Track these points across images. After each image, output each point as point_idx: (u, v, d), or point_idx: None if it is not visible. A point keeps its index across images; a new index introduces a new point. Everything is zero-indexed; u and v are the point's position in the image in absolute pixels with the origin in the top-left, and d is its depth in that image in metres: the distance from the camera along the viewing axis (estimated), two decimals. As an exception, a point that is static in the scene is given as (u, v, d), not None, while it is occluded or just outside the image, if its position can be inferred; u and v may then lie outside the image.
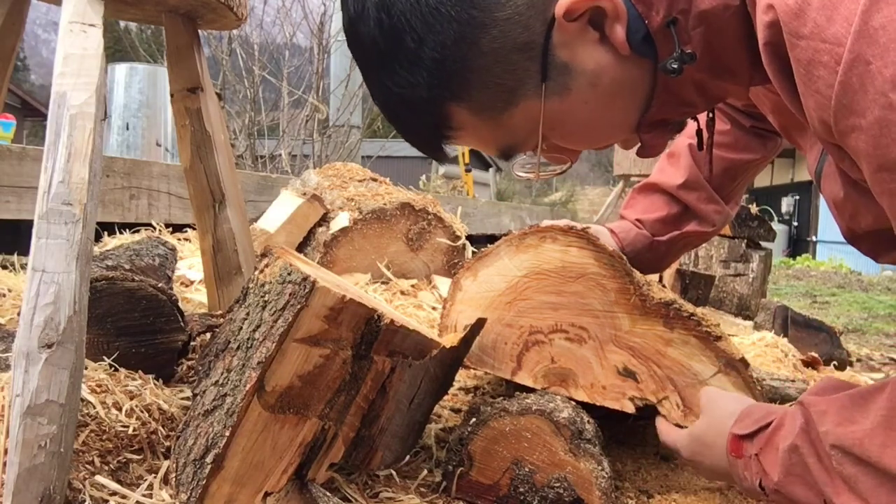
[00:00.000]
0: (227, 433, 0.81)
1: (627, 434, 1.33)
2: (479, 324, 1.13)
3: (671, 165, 1.40)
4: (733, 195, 1.41)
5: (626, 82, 0.83)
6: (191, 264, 2.09)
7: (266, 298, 0.86)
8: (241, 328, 0.88)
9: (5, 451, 0.77)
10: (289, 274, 0.84)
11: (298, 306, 0.81)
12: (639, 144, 0.94)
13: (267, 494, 0.86)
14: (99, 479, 0.85)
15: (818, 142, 0.97)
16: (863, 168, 0.69)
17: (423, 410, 1.06)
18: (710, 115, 1.05)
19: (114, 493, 0.84)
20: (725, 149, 1.35)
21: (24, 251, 0.93)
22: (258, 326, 0.85)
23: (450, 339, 1.05)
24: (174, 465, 0.88)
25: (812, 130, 0.75)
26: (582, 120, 0.85)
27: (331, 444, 0.90)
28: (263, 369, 0.81)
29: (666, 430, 1.07)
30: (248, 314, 0.88)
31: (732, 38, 0.80)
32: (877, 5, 0.62)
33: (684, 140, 1.39)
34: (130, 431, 0.93)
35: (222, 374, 0.87)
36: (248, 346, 0.85)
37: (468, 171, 17.19)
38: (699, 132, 1.04)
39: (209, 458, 0.81)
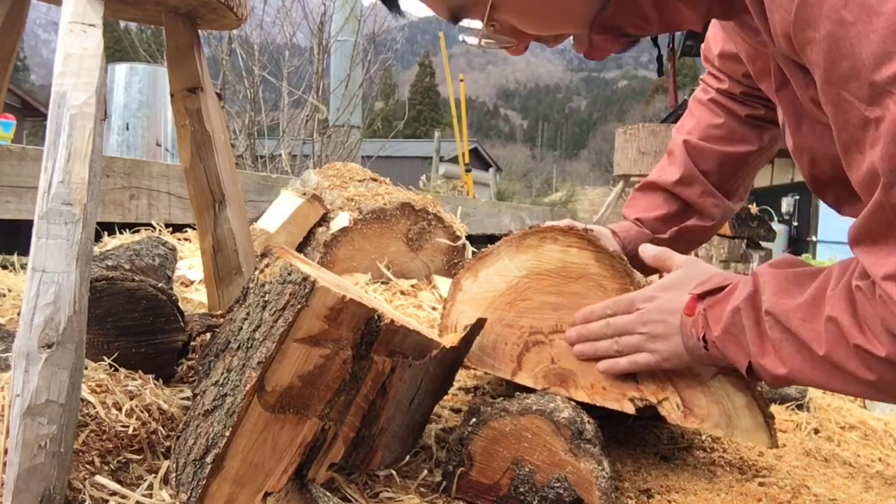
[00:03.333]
0: (228, 433, 0.81)
1: (627, 434, 1.33)
2: (479, 324, 1.13)
3: (669, 163, 1.39)
4: (735, 189, 1.40)
5: None
6: (191, 264, 2.09)
7: (266, 298, 0.86)
8: (242, 328, 0.88)
9: (5, 451, 0.77)
10: (289, 274, 0.83)
11: (299, 306, 0.81)
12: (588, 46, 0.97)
13: (267, 494, 0.86)
14: (99, 479, 0.85)
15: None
16: (817, 82, 0.74)
17: (423, 411, 1.05)
18: (671, 46, 1.10)
19: (114, 493, 0.84)
20: (720, 142, 1.34)
21: (24, 251, 0.93)
22: (258, 326, 0.85)
23: (450, 339, 1.05)
24: (174, 466, 0.88)
25: (777, 50, 0.81)
26: None
27: (331, 444, 0.90)
28: (263, 369, 0.81)
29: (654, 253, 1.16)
30: (248, 314, 0.88)
31: None
32: None
33: (680, 136, 1.38)
34: (130, 431, 0.93)
35: (222, 374, 0.87)
36: (249, 346, 0.85)
37: (468, 171, 17.20)
38: (659, 58, 1.08)
39: (209, 458, 0.81)
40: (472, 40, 0.95)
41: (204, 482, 0.81)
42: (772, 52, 0.91)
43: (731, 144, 1.34)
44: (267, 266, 0.91)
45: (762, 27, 0.81)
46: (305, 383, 0.84)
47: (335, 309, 0.83)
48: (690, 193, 1.36)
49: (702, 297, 0.99)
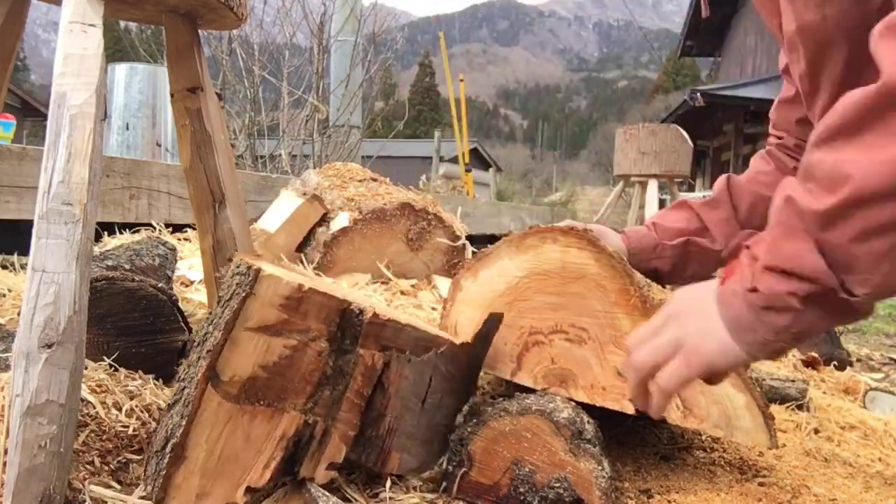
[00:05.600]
0: (184, 423, 0.82)
1: (627, 434, 1.33)
2: (493, 320, 1.12)
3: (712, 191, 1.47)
4: None
5: None
6: (191, 264, 2.09)
7: (220, 295, 0.88)
8: (203, 326, 0.90)
9: (5, 451, 0.77)
10: (237, 267, 0.86)
11: (243, 294, 0.83)
12: None
13: (250, 489, 0.85)
14: (96, 488, 0.85)
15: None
16: None
17: (445, 412, 1.04)
18: None
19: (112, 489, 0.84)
20: (761, 186, 1.40)
21: (24, 251, 0.93)
22: (213, 321, 0.87)
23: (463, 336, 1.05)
24: (145, 461, 0.89)
25: None
26: None
27: (322, 440, 0.90)
28: (213, 357, 0.82)
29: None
30: (209, 314, 0.90)
31: None
32: None
33: (727, 175, 1.46)
34: (130, 431, 0.93)
35: (184, 370, 0.89)
36: (203, 339, 0.87)
37: (468, 171, 17.19)
38: None
39: (168, 448, 0.82)
40: None
41: (164, 471, 0.81)
42: None
43: (770, 191, 1.38)
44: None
45: None
46: (273, 374, 0.85)
47: (293, 298, 0.84)
48: (712, 216, 1.42)
49: (743, 247, 0.73)
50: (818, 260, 0.61)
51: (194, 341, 0.93)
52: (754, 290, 0.66)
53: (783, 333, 0.65)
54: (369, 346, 0.91)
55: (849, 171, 0.58)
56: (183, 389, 0.85)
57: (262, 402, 0.85)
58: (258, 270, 0.83)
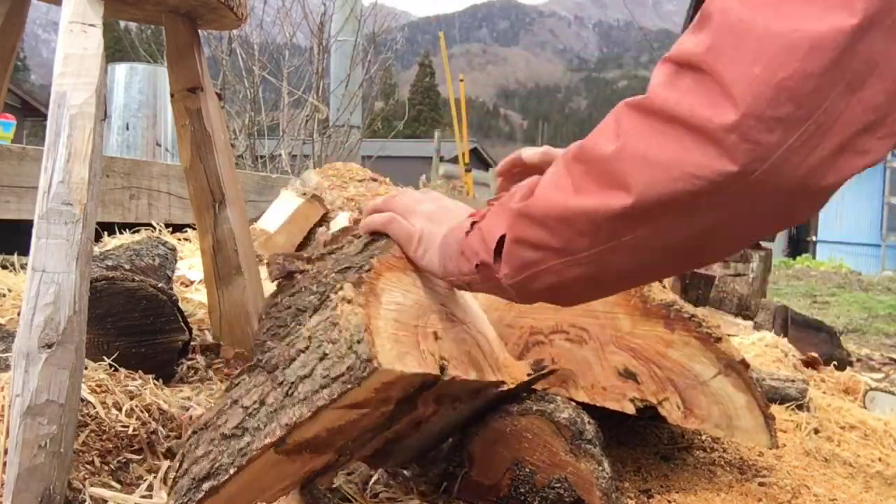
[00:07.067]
0: (233, 471, 0.75)
1: (627, 434, 1.33)
2: (544, 371, 1.08)
3: None
4: None
5: None
6: (191, 264, 2.09)
7: (328, 338, 0.75)
8: (299, 335, 0.79)
9: (5, 451, 0.77)
10: (358, 343, 0.72)
11: (349, 386, 0.71)
12: None
13: None
14: (95, 490, 0.85)
15: None
16: None
17: (450, 430, 1.04)
18: None
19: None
20: None
21: (24, 251, 0.93)
22: (306, 376, 0.75)
23: (512, 374, 1.00)
24: (177, 464, 0.85)
25: None
26: None
27: (344, 465, 0.87)
28: (288, 430, 0.73)
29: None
30: (310, 316, 0.80)
31: None
32: None
33: None
34: (130, 431, 0.93)
35: (254, 403, 0.78)
36: (289, 391, 0.75)
37: (468, 171, 17.18)
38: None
39: (206, 486, 0.76)
40: None
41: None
42: None
43: None
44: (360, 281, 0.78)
45: None
46: (333, 434, 0.78)
47: (388, 383, 0.74)
48: None
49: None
50: (493, 239, 0.70)
51: (280, 315, 0.83)
52: (468, 230, 0.76)
53: (462, 277, 0.77)
54: (427, 400, 0.84)
55: (546, 183, 0.65)
56: (245, 432, 0.76)
57: (308, 451, 0.78)
58: (376, 368, 0.70)
